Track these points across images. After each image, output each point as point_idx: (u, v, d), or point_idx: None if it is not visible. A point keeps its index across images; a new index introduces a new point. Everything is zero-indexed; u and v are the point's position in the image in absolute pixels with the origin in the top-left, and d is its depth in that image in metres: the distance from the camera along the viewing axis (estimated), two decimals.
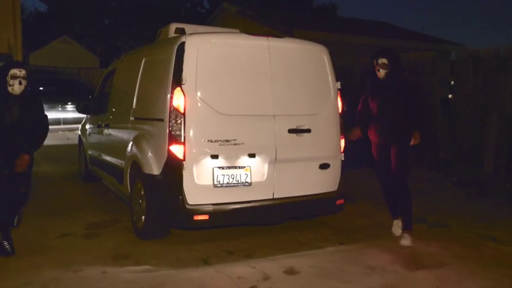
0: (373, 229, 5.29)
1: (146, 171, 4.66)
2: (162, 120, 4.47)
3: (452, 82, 8.68)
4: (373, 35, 16.14)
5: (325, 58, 5.09)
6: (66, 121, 14.80)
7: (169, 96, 4.38)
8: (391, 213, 5.10)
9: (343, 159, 5.10)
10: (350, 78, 9.46)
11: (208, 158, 4.38)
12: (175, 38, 4.68)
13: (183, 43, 4.43)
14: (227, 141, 4.43)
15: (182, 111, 4.31)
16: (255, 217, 4.69)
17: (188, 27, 5.31)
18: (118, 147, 5.70)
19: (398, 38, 16.81)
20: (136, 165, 4.94)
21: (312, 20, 19.80)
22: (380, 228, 5.21)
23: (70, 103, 15.09)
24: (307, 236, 5.07)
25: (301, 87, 4.89)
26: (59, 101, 14.96)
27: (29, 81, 4.57)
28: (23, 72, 4.49)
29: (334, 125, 5.04)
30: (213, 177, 4.40)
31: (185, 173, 4.32)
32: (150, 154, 4.68)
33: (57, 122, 14.57)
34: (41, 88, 14.83)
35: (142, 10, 32.55)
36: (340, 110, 5.09)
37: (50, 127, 4.96)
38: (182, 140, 4.32)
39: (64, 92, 15.59)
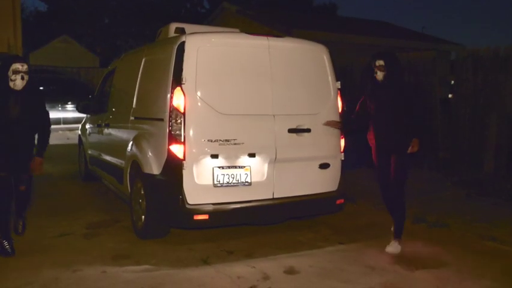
0: (373, 229, 5.29)
1: (146, 170, 4.66)
2: (162, 119, 4.47)
3: (452, 82, 8.69)
4: (373, 34, 16.14)
5: (325, 58, 5.09)
6: (66, 121, 14.77)
7: (169, 95, 4.38)
8: (391, 214, 5.08)
9: (343, 159, 5.10)
10: (350, 78, 9.45)
11: (208, 158, 4.38)
12: (175, 38, 4.68)
13: (183, 43, 4.43)
14: (227, 140, 4.43)
15: (182, 110, 4.31)
16: (255, 217, 4.69)
17: (188, 27, 5.30)
18: (118, 147, 5.69)
19: (398, 38, 16.81)
20: (136, 165, 4.94)
21: (312, 19, 19.78)
22: (380, 228, 5.21)
23: (69, 103, 15.07)
24: (308, 236, 5.06)
25: (301, 87, 4.88)
26: (59, 101, 14.92)
27: (31, 76, 4.43)
28: (25, 66, 4.36)
29: None
30: (213, 177, 4.40)
31: (185, 173, 4.31)
32: (150, 154, 4.68)
33: (57, 121, 14.54)
34: (41, 88, 14.79)
35: (142, 10, 32.54)
36: (340, 110, 5.09)
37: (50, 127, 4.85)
38: (182, 140, 4.31)
39: (63, 91, 15.56)
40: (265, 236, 5.02)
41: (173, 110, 4.33)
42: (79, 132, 8.38)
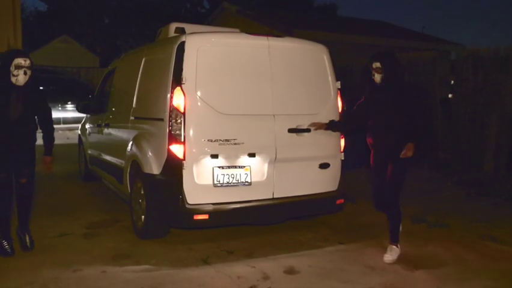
0: (373, 229, 5.29)
1: (146, 170, 4.66)
2: (162, 119, 4.47)
3: (452, 82, 8.69)
4: (373, 34, 16.14)
5: (325, 58, 5.09)
6: (66, 120, 14.78)
7: (169, 95, 4.38)
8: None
9: (343, 159, 5.10)
10: (350, 78, 9.46)
11: (208, 158, 4.38)
12: (175, 38, 4.68)
13: (183, 42, 4.43)
14: (227, 140, 4.42)
15: (182, 110, 4.31)
16: (254, 217, 4.69)
17: (188, 27, 5.30)
18: (117, 147, 5.69)
19: (398, 38, 16.80)
20: (136, 165, 4.94)
21: (312, 19, 19.79)
22: (379, 228, 5.20)
23: (69, 102, 15.08)
24: (307, 236, 5.06)
25: (301, 87, 4.88)
26: (59, 101, 14.94)
27: (33, 72, 4.29)
28: (28, 61, 4.22)
29: None
30: (212, 176, 4.40)
31: (185, 173, 4.31)
32: (150, 154, 4.68)
33: (57, 121, 14.49)
34: (41, 87, 14.81)
35: (142, 9, 32.52)
36: (340, 110, 5.08)
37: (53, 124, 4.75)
38: (182, 140, 4.31)
39: (63, 91, 15.57)
40: (265, 236, 5.02)
41: (173, 110, 4.33)
42: (79, 132, 8.38)
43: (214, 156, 4.39)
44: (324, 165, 4.92)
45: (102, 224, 5.43)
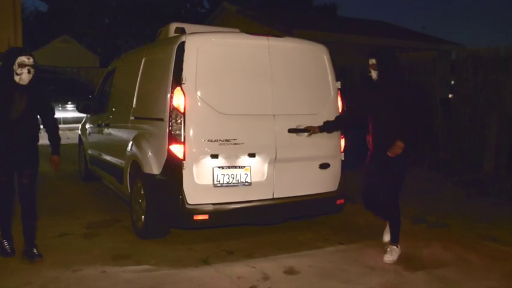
0: (373, 229, 5.28)
1: (146, 170, 4.65)
2: (162, 119, 4.47)
3: (453, 82, 8.69)
4: (373, 34, 16.14)
5: (325, 58, 5.09)
6: (66, 120, 14.77)
7: (169, 95, 4.38)
8: (375, 215, 4.94)
9: (343, 159, 5.10)
10: (350, 78, 9.46)
11: (208, 158, 4.38)
12: (175, 38, 4.68)
13: (183, 43, 4.43)
14: (227, 140, 4.42)
15: (182, 110, 4.31)
16: (255, 217, 4.69)
17: (188, 27, 5.30)
18: (118, 147, 5.70)
19: (398, 38, 16.81)
20: (136, 165, 4.94)
21: (312, 19, 19.80)
22: (379, 228, 5.18)
23: (70, 103, 15.08)
24: (307, 236, 5.06)
25: (301, 87, 4.88)
26: (59, 101, 14.93)
27: (36, 71, 4.17)
28: (31, 59, 4.09)
29: None
30: (212, 176, 4.39)
31: (185, 173, 4.31)
32: (150, 154, 4.68)
33: (58, 121, 14.56)
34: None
35: (142, 10, 32.55)
36: (340, 110, 5.08)
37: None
38: (182, 140, 4.31)
39: (64, 91, 15.57)
40: (265, 236, 5.02)
41: (173, 110, 4.33)
42: (79, 132, 8.38)
43: (214, 156, 4.39)
44: (324, 166, 4.92)
45: (102, 224, 5.43)
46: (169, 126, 4.35)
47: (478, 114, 7.73)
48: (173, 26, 5.39)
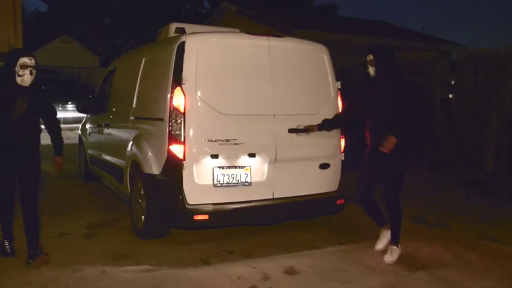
0: (373, 229, 5.27)
1: (146, 170, 4.66)
2: (162, 119, 4.47)
3: (453, 82, 8.68)
4: (373, 34, 16.13)
5: (325, 58, 5.09)
6: (66, 120, 14.76)
7: (169, 95, 4.38)
8: (368, 214, 4.85)
9: (343, 159, 5.10)
10: (350, 78, 9.45)
11: (208, 158, 4.38)
12: (175, 38, 4.68)
13: (183, 43, 4.43)
14: (227, 140, 4.42)
15: (182, 110, 4.31)
16: (255, 217, 4.69)
17: (188, 27, 5.31)
18: (118, 147, 5.70)
19: (398, 38, 16.80)
20: (136, 165, 4.94)
21: (312, 19, 19.80)
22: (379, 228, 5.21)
23: (70, 103, 15.09)
24: (308, 236, 5.06)
25: (301, 87, 4.88)
26: (59, 101, 14.92)
27: (38, 72, 4.13)
28: (33, 60, 4.05)
29: None
30: (213, 177, 4.39)
31: (185, 173, 4.31)
32: (150, 154, 4.68)
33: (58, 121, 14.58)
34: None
35: (142, 10, 32.59)
36: (340, 110, 5.08)
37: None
38: (182, 140, 4.31)
39: (64, 91, 15.57)
40: (265, 236, 5.02)
41: (174, 110, 4.33)
42: (79, 132, 8.38)
43: (214, 156, 4.39)
44: (324, 166, 4.92)
45: (102, 224, 5.43)
46: (169, 126, 4.35)
47: (478, 114, 7.72)
48: (173, 26, 5.39)
